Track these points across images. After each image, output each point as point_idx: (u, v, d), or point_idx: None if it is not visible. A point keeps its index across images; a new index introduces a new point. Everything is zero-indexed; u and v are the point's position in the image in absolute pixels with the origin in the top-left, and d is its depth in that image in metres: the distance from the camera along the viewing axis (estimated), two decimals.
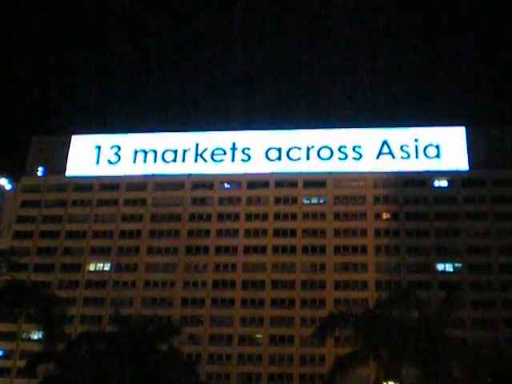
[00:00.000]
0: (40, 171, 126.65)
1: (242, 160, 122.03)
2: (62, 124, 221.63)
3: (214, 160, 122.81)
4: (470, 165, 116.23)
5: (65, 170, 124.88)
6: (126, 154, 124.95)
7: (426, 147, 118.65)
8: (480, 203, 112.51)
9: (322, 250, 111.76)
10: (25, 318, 49.51)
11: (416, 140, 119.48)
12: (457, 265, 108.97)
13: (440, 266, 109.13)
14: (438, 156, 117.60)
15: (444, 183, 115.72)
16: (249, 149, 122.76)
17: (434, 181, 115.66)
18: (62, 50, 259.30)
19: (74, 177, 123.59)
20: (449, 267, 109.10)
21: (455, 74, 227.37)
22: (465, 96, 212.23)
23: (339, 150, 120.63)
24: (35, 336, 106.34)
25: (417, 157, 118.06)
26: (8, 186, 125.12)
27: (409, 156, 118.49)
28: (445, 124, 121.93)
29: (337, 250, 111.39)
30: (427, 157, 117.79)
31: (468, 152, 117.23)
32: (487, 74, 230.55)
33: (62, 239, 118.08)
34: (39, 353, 53.23)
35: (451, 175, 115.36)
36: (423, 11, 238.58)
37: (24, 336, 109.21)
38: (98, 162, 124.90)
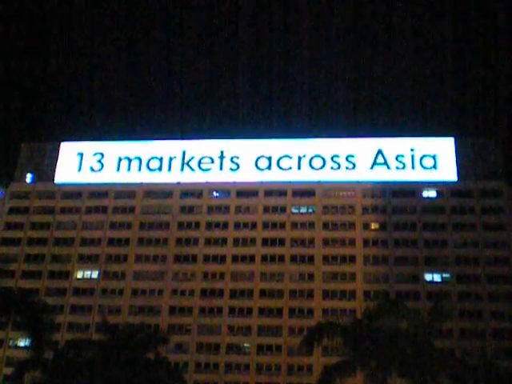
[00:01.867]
0: (29, 178, 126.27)
1: (231, 169, 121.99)
2: (52, 131, 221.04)
3: (201, 168, 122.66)
4: (458, 175, 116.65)
5: (54, 177, 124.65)
6: (115, 161, 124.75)
7: (421, 158, 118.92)
8: (468, 214, 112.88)
9: (311, 259, 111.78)
10: (12, 325, 49.26)
11: (412, 150, 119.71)
12: (445, 275, 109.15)
13: (428, 276, 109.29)
14: (434, 167, 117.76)
15: (432, 193, 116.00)
16: (237, 157, 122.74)
17: (422, 191, 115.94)
18: (50, 57, 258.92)
19: (63, 184, 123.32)
20: (437, 277, 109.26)
21: (445, 86, 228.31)
22: (454, 107, 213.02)
23: (332, 159, 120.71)
24: (22, 343, 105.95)
25: (413, 167, 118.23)
26: None
27: (404, 166, 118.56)
28: (434, 135, 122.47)
29: (325, 259, 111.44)
30: (424, 167, 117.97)
31: (457, 163, 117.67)
32: (477, 85, 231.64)
33: (50, 246, 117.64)
34: (26, 360, 52.95)
35: (440, 186, 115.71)
36: (419, 25, 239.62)
37: (11, 343, 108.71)
38: (86, 169, 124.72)
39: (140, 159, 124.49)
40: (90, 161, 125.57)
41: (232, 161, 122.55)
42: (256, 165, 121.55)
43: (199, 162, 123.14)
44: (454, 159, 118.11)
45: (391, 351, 43.78)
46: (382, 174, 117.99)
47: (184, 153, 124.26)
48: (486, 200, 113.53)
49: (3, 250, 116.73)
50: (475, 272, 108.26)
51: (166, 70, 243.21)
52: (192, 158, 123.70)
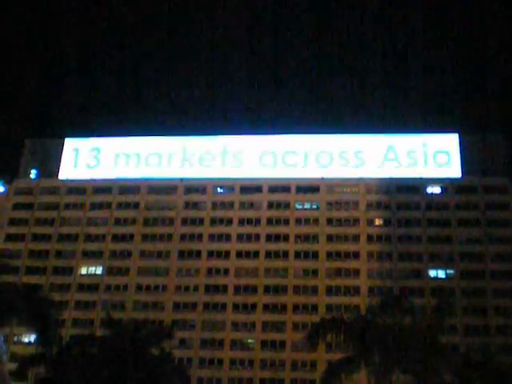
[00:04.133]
0: (33, 174, 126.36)
1: (234, 165, 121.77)
2: (56, 127, 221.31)
3: (203, 165, 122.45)
4: (462, 172, 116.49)
5: (58, 172, 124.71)
6: (119, 157, 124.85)
7: (420, 154, 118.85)
8: (472, 210, 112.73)
9: (315, 255, 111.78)
10: (16, 320, 49.33)
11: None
12: (449, 271, 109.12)
13: (432, 273, 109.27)
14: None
15: (437, 190, 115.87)
16: (241, 154, 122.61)
17: (426, 187, 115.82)
18: (56, 53, 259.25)
19: (67, 180, 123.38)
20: (441, 273, 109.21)
21: (450, 82, 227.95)
22: (459, 103, 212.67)
23: (340, 155, 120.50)
24: (26, 339, 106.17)
25: (419, 163, 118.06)
26: (1, 189, 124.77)
27: (407, 163, 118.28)
28: (438, 131, 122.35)
29: (329, 255, 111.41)
30: (430, 163, 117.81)
31: (461, 159, 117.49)
32: (482, 82, 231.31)
33: (54, 242, 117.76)
34: (30, 356, 53.12)
35: (444, 182, 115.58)
36: (427, 23, 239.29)
37: (15, 339, 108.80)
38: (90, 165, 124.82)
39: (144, 155, 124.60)
40: (94, 157, 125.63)
41: (235, 157, 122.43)
42: (260, 161, 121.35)
43: (201, 159, 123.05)
44: (459, 155, 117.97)
45: (395, 347, 43.78)
46: (386, 170, 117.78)
47: (185, 149, 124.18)
48: (491, 196, 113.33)
49: (8, 245, 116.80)
50: (479, 268, 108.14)
51: (168, 65, 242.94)
52: (193, 154, 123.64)
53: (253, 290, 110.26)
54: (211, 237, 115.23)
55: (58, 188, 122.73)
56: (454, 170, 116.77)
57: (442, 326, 47.43)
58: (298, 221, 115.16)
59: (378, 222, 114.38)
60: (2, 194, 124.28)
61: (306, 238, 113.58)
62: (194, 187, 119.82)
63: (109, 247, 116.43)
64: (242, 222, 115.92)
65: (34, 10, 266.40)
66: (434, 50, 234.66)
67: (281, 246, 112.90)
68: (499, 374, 46.78)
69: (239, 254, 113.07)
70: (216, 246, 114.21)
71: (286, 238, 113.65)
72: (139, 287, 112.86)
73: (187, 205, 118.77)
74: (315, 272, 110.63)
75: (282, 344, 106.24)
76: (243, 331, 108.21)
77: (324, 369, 48.58)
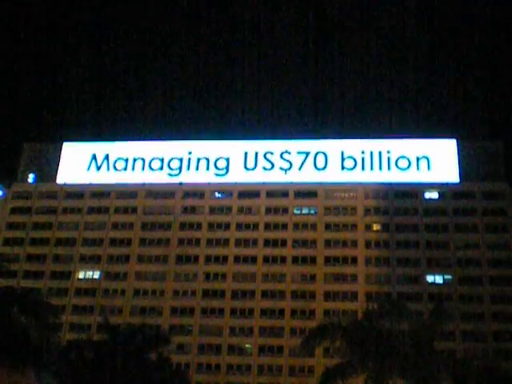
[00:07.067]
0: (31, 178, 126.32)
1: (232, 170, 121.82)
2: (54, 131, 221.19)
3: (200, 170, 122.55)
4: (460, 177, 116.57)
5: (56, 177, 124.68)
6: (117, 162, 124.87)
7: (423, 159, 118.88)
8: (470, 215, 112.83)
9: (313, 260, 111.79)
10: None
11: (415, 151, 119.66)
12: (447, 277, 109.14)
13: (430, 278, 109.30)
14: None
15: (434, 195, 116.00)
16: (239, 159, 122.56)
17: (424, 193, 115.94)
18: (54, 57, 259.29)
19: (65, 184, 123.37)
20: (439, 279, 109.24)
21: (447, 87, 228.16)
22: (456, 109, 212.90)
23: (338, 160, 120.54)
24: None
25: (417, 168, 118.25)
26: None
27: (406, 168, 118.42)
28: (436, 136, 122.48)
29: (327, 260, 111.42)
30: (426, 169, 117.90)
31: (459, 164, 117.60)
32: (479, 87, 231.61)
33: (51, 246, 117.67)
34: None
35: (442, 187, 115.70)
36: (425, 29, 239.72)
37: None
38: (88, 170, 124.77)
39: (142, 160, 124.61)
40: (91, 161, 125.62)
41: (233, 162, 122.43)
42: (258, 166, 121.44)
43: (199, 163, 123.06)
44: (456, 161, 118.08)
45: (392, 352, 43.73)
46: (384, 176, 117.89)
47: (190, 153, 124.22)
48: (488, 202, 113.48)
49: (5, 249, 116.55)
50: (477, 274, 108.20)
51: (169, 70, 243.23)
52: (192, 158, 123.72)
53: (250, 295, 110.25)
54: (209, 242, 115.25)
55: (56, 192, 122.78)
56: (452, 176, 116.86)
57: (440, 331, 47.39)
58: (296, 226, 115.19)
59: (375, 227, 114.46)
60: (0, 198, 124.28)
61: (304, 243, 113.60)
62: (192, 192, 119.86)
63: (106, 252, 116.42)
64: (239, 226, 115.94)
65: (34, 12, 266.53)
66: (433, 55, 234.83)
67: (279, 251, 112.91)
68: (497, 379, 46.75)
69: (237, 259, 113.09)
70: (214, 251, 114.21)
71: (283, 243, 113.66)
72: (137, 292, 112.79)
73: (185, 209, 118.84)
74: (313, 277, 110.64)
75: (280, 349, 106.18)
76: (241, 336, 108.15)
77: (321, 374, 48.47)
